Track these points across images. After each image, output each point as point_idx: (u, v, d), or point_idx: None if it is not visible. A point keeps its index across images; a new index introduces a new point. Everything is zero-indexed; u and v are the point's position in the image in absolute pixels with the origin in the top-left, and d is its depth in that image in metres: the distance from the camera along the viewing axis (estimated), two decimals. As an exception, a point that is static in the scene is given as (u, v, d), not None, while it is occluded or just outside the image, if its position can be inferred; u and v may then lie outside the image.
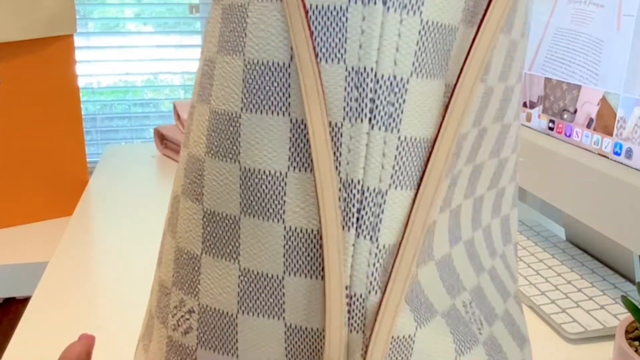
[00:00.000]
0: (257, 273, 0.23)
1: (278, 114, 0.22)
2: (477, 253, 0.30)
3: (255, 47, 0.22)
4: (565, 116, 0.61)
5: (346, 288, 0.22)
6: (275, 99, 0.22)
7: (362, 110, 0.21)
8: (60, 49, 1.21)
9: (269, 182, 0.23)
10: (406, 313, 0.23)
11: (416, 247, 0.22)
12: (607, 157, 0.55)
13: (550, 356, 0.50)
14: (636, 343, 0.42)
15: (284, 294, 0.23)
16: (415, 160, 0.22)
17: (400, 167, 0.22)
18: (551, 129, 0.63)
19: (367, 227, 0.22)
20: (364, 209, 0.22)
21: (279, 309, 0.23)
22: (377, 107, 0.21)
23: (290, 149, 0.22)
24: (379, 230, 0.22)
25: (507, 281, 0.32)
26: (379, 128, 0.21)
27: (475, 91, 0.23)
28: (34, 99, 1.20)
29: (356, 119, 0.21)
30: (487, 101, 0.26)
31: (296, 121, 0.22)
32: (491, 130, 0.28)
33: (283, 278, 0.23)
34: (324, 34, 0.21)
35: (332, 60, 0.21)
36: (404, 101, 0.21)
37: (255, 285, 0.23)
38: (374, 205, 0.22)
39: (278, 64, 0.22)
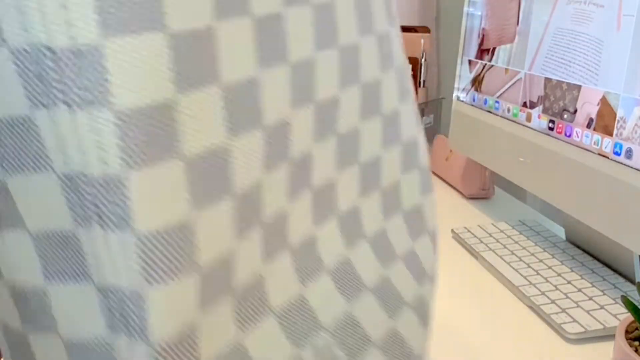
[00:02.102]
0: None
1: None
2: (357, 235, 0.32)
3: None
4: (565, 116, 0.61)
5: None
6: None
7: (87, 213, 0.19)
8: (60, 49, 1.21)
9: None
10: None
11: None
12: (607, 157, 0.55)
13: (550, 356, 0.50)
14: (636, 343, 0.42)
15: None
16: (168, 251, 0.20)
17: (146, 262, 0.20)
18: (551, 129, 0.63)
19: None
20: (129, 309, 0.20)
21: None
22: (102, 210, 0.18)
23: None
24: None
25: (399, 244, 0.35)
26: (112, 230, 0.18)
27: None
28: (34, 99, 1.20)
29: (86, 222, 0.19)
30: (284, 135, 0.25)
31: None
32: (318, 155, 0.28)
33: None
34: (21, 146, 0.18)
35: (41, 169, 0.18)
36: (128, 198, 0.18)
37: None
38: (137, 308, 0.20)
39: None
